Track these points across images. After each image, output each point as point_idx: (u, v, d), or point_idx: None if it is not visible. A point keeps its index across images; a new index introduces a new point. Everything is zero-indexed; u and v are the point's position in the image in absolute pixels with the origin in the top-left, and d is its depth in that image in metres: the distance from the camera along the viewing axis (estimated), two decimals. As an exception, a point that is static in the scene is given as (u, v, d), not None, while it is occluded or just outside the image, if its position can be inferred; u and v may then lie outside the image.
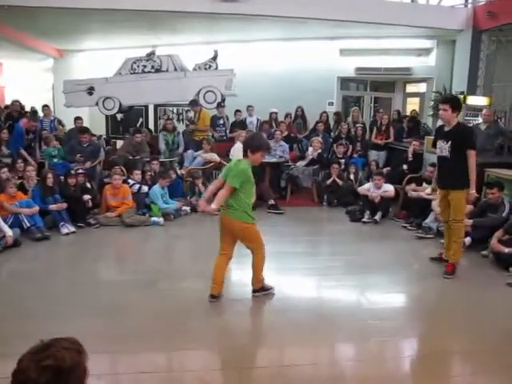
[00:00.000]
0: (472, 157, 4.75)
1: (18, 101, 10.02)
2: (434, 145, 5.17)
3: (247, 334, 3.73)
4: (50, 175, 6.61)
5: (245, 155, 4.04)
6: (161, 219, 6.93)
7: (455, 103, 4.91)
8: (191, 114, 9.87)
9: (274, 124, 9.93)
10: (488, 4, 10.21)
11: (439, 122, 9.00)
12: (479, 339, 3.60)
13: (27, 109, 10.57)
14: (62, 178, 7.08)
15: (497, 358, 3.31)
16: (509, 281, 4.69)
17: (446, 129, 4.93)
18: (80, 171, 7.24)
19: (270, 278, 4.86)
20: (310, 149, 8.91)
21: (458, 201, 4.86)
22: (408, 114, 11.29)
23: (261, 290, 4.30)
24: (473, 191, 4.82)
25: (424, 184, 7.33)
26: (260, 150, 4.02)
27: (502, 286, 4.64)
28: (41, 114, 10.01)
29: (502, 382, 3.10)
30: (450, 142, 4.81)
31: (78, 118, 9.52)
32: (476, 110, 9.20)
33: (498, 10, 9.56)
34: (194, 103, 9.48)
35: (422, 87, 13.21)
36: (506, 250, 5.06)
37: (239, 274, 4.96)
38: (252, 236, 4.12)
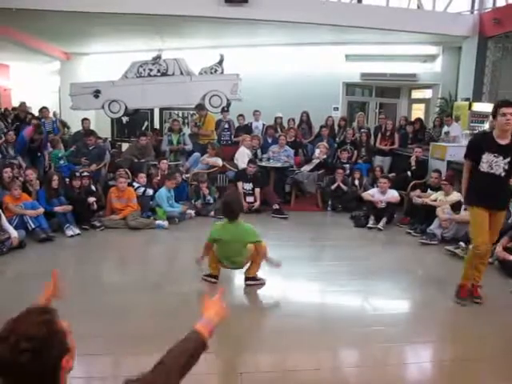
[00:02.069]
0: None
1: (24, 103, 10.09)
2: (472, 155, 4.24)
3: (250, 338, 3.72)
4: (55, 177, 6.64)
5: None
6: (165, 222, 6.94)
7: None
8: (195, 117, 9.90)
9: (278, 129, 9.94)
10: (494, 11, 10.22)
11: (445, 129, 9.03)
12: (484, 347, 3.58)
13: (33, 111, 10.64)
14: (67, 180, 7.13)
15: (501, 366, 3.29)
16: (513, 288, 4.68)
17: (502, 142, 4.03)
18: (85, 174, 7.28)
19: (274, 282, 4.87)
20: (317, 151, 8.91)
21: (501, 221, 4.43)
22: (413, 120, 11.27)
23: (254, 279, 4.62)
24: None
25: (429, 190, 7.32)
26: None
27: (506, 294, 4.62)
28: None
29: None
30: (508, 159, 4.02)
31: (85, 119, 9.59)
32: (482, 117, 9.19)
33: (503, 17, 9.56)
34: (200, 107, 9.50)
35: (427, 93, 13.21)
36: (512, 257, 5.04)
37: (241, 278, 4.96)
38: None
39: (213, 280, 4.64)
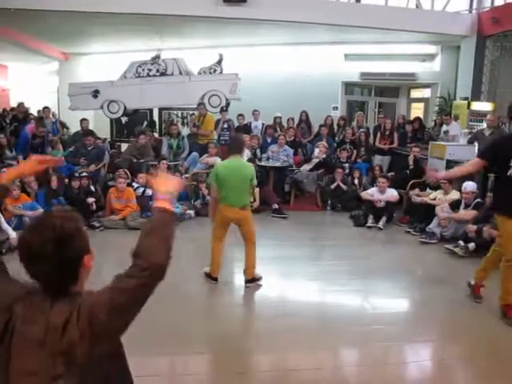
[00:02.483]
0: None
1: (23, 103, 10.08)
2: (489, 156, 3.99)
3: (249, 338, 3.73)
4: (54, 178, 6.65)
5: (240, 152, 4.77)
6: (165, 222, 6.92)
7: None
8: (194, 117, 9.89)
9: (278, 128, 9.94)
10: (492, 10, 10.23)
11: (444, 128, 9.03)
12: (483, 346, 3.59)
13: (31, 111, 10.63)
14: (67, 180, 7.12)
15: (499, 364, 3.30)
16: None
17: None
18: (84, 174, 7.27)
19: (274, 282, 4.88)
20: (317, 150, 8.92)
21: None
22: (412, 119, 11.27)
23: (253, 280, 4.64)
24: None
25: (428, 189, 7.33)
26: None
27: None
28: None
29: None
30: None
31: (84, 119, 9.58)
32: (480, 116, 9.20)
33: (502, 16, 9.56)
34: (202, 106, 9.51)
35: (426, 92, 13.21)
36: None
37: (243, 279, 4.97)
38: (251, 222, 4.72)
39: (213, 282, 4.68)
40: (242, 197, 4.56)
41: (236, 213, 4.55)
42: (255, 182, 4.74)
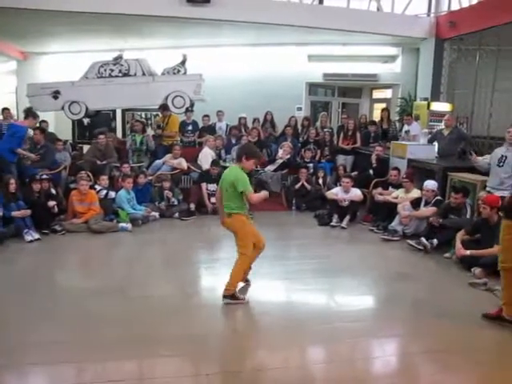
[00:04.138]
0: None
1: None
2: None
3: (217, 338, 3.71)
4: (12, 181, 6.40)
5: (238, 161, 4.29)
6: (129, 225, 6.83)
7: None
8: (158, 118, 9.78)
9: (242, 129, 9.94)
10: (449, 14, 10.56)
11: (405, 128, 9.25)
12: (446, 339, 3.69)
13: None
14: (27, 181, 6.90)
15: (464, 357, 3.41)
16: (470, 281, 4.84)
17: None
18: (44, 176, 7.07)
19: (239, 282, 4.86)
20: (280, 151, 8.98)
21: None
22: (375, 119, 11.49)
23: (231, 298, 4.24)
24: None
25: (390, 188, 7.49)
26: (254, 157, 4.30)
27: (465, 287, 4.78)
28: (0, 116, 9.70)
29: (470, 379, 3.20)
30: None
31: (43, 121, 9.30)
32: (440, 116, 9.46)
33: (458, 20, 9.89)
34: (164, 108, 9.40)
35: (388, 93, 13.50)
36: (468, 252, 5.22)
37: (211, 280, 4.94)
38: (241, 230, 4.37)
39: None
40: (227, 203, 4.29)
41: (224, 221, 4.39)
42: (241, 187, 4.15)
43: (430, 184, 6.51)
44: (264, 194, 4.54)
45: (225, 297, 4.23)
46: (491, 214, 5.19)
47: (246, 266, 4.45)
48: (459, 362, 3.36)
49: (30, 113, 8.00)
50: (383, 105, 13.59)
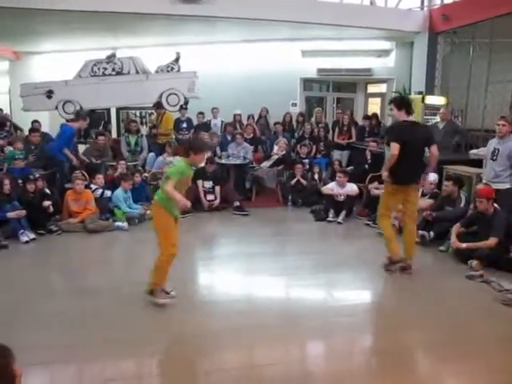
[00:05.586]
0: None
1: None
2: None
3: (213, 335, 3.70)
4: (6, 181, 6.37)
5: (186, 155, 4.04)
6: (125, 224, 6.82)
7: None
8: (153, 117, 9.76)
9: (238, 126, 9.93)
10: (442, 7, 10.55)
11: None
12: (441, 333, 3.70)
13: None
14: (20, 182, 6.86)
15: (456, 349, 3.43)
16: (467, 273, 4.86)
17: None
18: (37, 175, 7.03)
19: (236, 278, 4.87)
20: (276, 147, 8.99)
21: None
22: (370, 114, 11.50)
23: (150, 294, 4.12)
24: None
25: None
26: (202, 151, 4.08)
27: (461, 279, 4.80)
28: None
29: (462, 371, 3.21)
30: None
31: (35, 121, 9.28)
32: (434, 109, 9.47)
33: (451, 13, 9.88)
34: (158, 106, 9.38)
35: (382, 88, 13.49)
36: (464, 245, 5.23)
37: (208, 277, 4.94)
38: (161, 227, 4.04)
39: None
40: (158, 191, 4.14)
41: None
42: (168, 173, 3.99)
43: (432, 176, 6.50)
44: (180, 198, 3.91)
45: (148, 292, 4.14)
46: (488, 206, 5.20)
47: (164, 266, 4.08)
48: (457, 353, 3.38)
49: (80, 115, 8.19)
50: (378, 99, 13.65)
